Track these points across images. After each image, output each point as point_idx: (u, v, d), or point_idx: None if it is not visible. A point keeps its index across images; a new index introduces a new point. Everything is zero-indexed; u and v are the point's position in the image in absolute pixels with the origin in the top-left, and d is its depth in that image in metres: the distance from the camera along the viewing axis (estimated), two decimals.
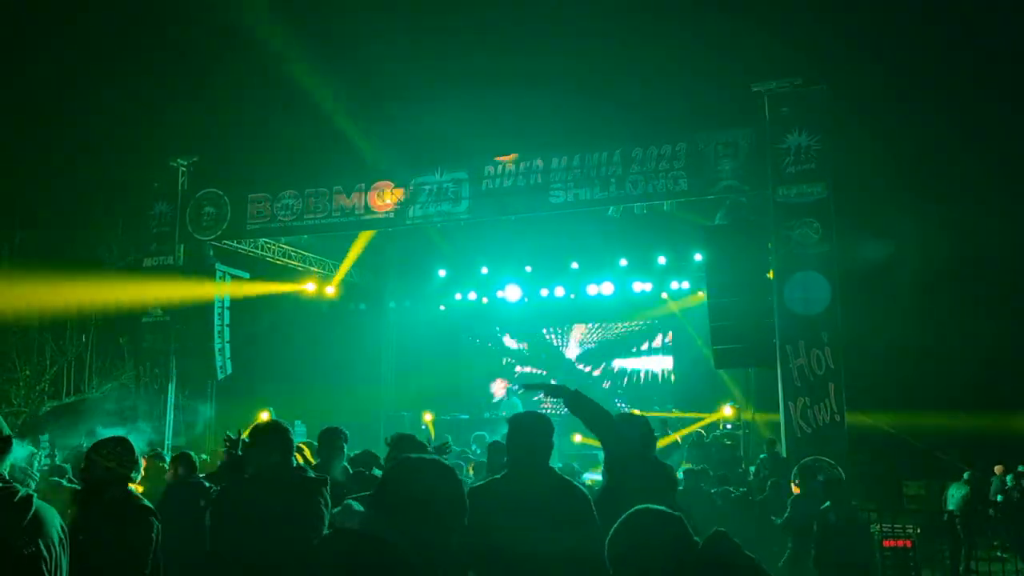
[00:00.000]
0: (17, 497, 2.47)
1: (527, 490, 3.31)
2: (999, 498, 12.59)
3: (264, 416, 14.16)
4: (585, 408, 3.99)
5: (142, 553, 3.76)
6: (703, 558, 2.19)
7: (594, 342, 20.00)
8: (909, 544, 8.81)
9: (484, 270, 18.40)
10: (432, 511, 2.07)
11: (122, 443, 3.95)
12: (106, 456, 3.84)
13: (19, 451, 9.12)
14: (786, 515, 7.54)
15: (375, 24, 18.33)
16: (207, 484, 6.01)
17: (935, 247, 14.82)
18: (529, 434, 3.47)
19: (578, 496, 3.40)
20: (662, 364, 19.33)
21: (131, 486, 4.01)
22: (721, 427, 15.39)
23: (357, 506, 2.10)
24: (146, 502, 4.00)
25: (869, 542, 7.29)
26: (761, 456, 12.21)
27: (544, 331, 20.41)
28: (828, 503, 6.85)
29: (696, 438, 13.12)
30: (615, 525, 2.20)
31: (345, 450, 5.76)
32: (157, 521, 3.92)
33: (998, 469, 13.30)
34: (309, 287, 17.37)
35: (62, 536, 2.59)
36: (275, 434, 4.11)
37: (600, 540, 2.42)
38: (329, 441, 5.62)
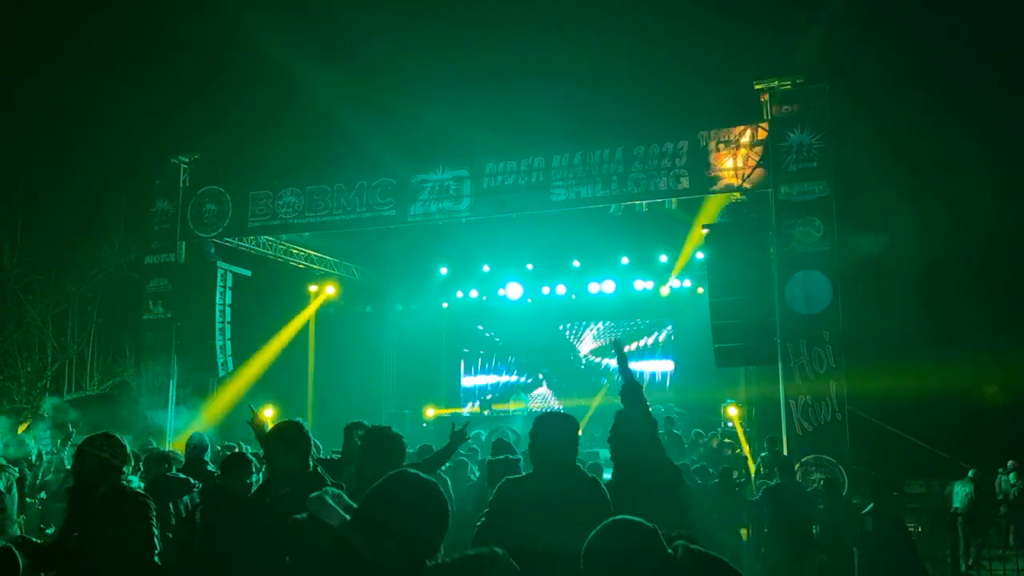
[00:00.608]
0: None
1: (553, 489, 3.34)
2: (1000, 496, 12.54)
3: (268, 413, 14.18)
4: (636, 404, 4.07)
5: (148, 540, 3.78)
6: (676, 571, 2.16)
7: (599, 340, 19.96)
8: None
9: (486, 268, 18.39)
10: (412, 529, 2.08)
11: (112, 437, 3.97)
12: (99, 447, 3.85)
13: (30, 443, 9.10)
14: (755, 498, 7.47)
15: (376, 22, 18.33)
16: (191, 480, 6.05)
17: (937, 245, 14.79)
18: (555, 433, 3.51)
19: (601, 495, 3.44)
20: (663, 363, 19.29)
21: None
22: (722, 426, 15.35)
23: (331, 499, 2.11)
24: (138, 490, 4.01)
25: (912, 553, 6.81)
26: (762, 454, 12.19)
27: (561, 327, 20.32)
28: (871, 506, 6.71)
29: (695, 437, 13.10)
30: (591, 535, 2.17)
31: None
32: (154, 506, 3.93)
33: (1011, 464, 13.03)
34: (312, 288, 17.36)
35: None
36: (294, 435, 4.08)
37: None
38: (352, 435, 5.54)
